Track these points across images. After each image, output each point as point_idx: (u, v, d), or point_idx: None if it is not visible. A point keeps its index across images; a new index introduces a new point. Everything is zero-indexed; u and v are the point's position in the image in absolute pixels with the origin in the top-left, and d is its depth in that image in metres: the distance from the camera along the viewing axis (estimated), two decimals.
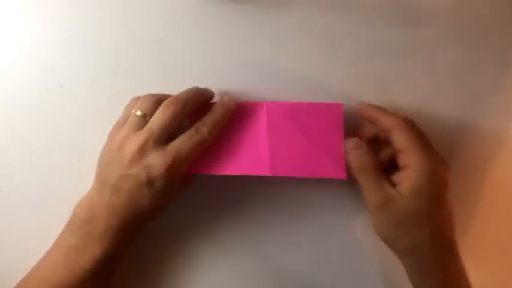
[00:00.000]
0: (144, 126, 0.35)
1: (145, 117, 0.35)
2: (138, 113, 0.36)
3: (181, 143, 0.35)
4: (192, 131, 0.36)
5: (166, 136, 0.35)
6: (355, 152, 0.37)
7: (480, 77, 0.43)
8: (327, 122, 0.39)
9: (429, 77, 0.42)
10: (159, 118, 0.35)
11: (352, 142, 0.37)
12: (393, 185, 0.35)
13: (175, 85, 0.42)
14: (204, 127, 0.36)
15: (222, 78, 0.42)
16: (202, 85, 0.41)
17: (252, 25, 0.42)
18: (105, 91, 0.42)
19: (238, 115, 0.39)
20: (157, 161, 0.34)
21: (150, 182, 0.34)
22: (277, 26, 0.42)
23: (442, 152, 0.36)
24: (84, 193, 0.41)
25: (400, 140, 0.35)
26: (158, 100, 0.36)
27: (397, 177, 0.36)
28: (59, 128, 0.41)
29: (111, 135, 0.37)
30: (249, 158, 0.39)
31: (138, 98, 0.38)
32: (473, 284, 0.36)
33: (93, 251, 0.35)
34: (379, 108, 0.38)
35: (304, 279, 0.42)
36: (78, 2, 0.41)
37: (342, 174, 0.38)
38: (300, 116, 0.39)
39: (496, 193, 0.43)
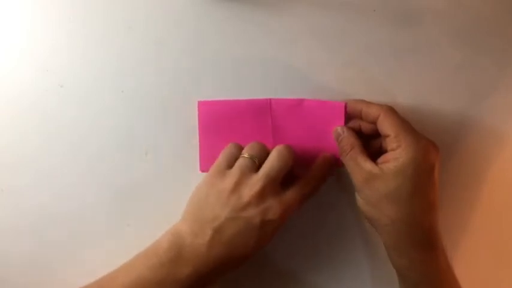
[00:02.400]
0: (255, 170, 0.36)
1: (255, 161, 0.36)
2: (247, 155, 0.37)
3: (296, 192, 0.36)
4: (304, 181, 0.38)
5: (280, 181, 0.36)
6: (339, 139, 0.39)
7: (480, 77, 0.43)
8: (329, 119, 0.40)
9: (429, 76, 0.42)
10: (275, 164, 0.36)
11: (335, 131, 0.39)
12: (381, 163, 0.36)
13: (176, 85, 0.42)
14: (314, 179, 0.38)
15: (222, 78, 0.42)
16: (202, 85, 0.42)
17: (252, 25, 0.42)
18: (105, 91, 0.42)
19: (243, 111, 0.40)
20: (275, 205, 0.35)
21: (263, 225, 0.35)
22: (278, 26, 0.42)
23: (441, 150, 0.36)
24: (84, 193, 0.42)
25: (388, 125, 0.36)
26: (264, 148, 0.38)
27: (383, 157, 0.37)
28: (59, 128, 0.41)
29: (216, 178, 0.36)
30: None
31: (236, 145, 0.39)
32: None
33: None
34: (363, 100, 0.39)
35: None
36: (78, 2, 0.41)
37: (338, 164, 0.40)
38: (303, 112, 0.40)
39: (495, 192, 0.43)
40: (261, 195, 0.35)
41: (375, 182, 0.36)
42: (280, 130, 0.41)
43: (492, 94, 0.43)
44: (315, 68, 0.42)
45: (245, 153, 0.37)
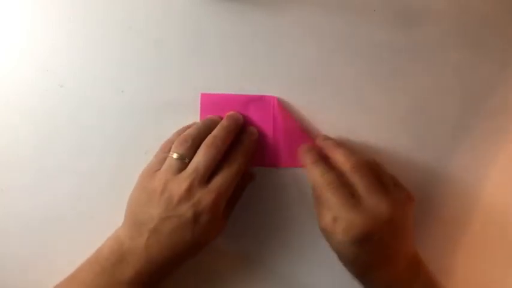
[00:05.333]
0: (183, 169, 0.36)
1: (184, 160, 0.37)
2: (175, 156, 0.37)
3: (222, 177, 0.36)
4: (228, 163, 0.37)
5: (209, 173, 0.36)
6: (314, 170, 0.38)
7: (480, 77, 0.43)
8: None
9: (429, 77, 0.42)
10: (202, 159, 0.36)
11: (309, 158, 0.39)
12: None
13: (175, 85, 0.42)
14: (238, 157, 0.38)
15: (222, 78, 0.42)
16: (202, 85, 0.42)
17: (252, 25, 0.42)
18: (105, 91, 0.42)
19: (245, 106, 0.41)
20: (204, 197, 0.35)
21: (196, 218, 0.35)
22: (277, 26, 0.42)
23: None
24: (84, 193, 0.42)
25: (351, 181, 0.36)
26: (193, 142, 0.37)
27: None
28: (59, 128, 0.41)
29: (147, 179, 0.37)
30: (258, 150, 0.41)
31: (169, 141, 0.39)
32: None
33: None
34: (335, 144, 0.39)
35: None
36: (78, 2, 0.41)
37: None
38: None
39: (496, 193, 0.43)
40: (190, 190, 0.35)
41: (329, 235, 0.36)
42: (282, 127, 0.41)
43: (492, 94, 0.43)
44: (315, 68, 0.42)
45: (173, 153, 0.37)
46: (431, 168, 0.42)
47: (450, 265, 0.43)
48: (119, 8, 0.41)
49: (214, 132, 0.38)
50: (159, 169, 0.37)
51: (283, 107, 0.41)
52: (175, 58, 0.42)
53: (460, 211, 0.43)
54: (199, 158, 0.36)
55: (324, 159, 0.38)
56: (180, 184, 0.35)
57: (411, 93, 0.42)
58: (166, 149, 0.38)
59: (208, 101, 0.41)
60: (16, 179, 0.41)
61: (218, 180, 0.36)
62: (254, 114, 0.41)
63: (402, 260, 0.36)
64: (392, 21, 0.42)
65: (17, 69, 0.41)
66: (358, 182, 0.35)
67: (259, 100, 0.41)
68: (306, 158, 0.39)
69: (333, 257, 0.37)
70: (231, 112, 0.41)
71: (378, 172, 0.37)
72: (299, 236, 0.42)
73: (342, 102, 0.42)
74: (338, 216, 0.35)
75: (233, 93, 0.42)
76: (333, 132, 0.42)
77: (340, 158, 0.37)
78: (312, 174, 0.37)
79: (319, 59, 0.42)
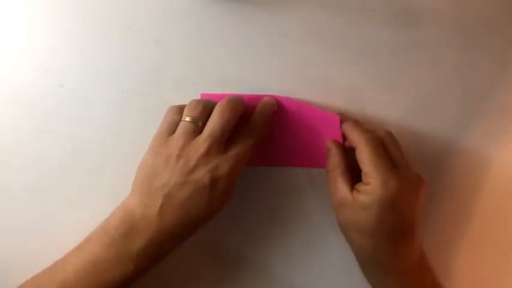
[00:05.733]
0: (198, 133, 0.36)
1: (198, 123, 0.36)
2: (188, 119, 0.36)
3: (240, 146, 0.36)
4: (246, 133, 0.37)
5: (225, 139, 0.36)
6: (327, 153, 0.39)
7: (480, 77, 0.43)
8: (326, 127, 0.41)
9: (429, 77, 0.42)
10: (218, 122, 0.36)
11: (326, 145, 0.40)
12: (356, 190, 0.36)
13: (175, 85, 0.42)
14: (255, 128, 0.38)
15: (222, 78, 0.42)
16: (202, 85, 0.42)
17: (252, 25, 0.42)
18: (105, 91, 0.42)
19: (248, 107, 0.41)
20: (222, 163, 0.35)
21: (213, 183, 0.34)
22: (277, 26, 0.42)
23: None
24: (83, 192, 0.42)
25: (361, 160, 0.36)
26: (206, 106, 0.37)
27: (360, 185, 0.36)
28: (59, 128, 0.41)
29: (161, 145, 0.36)
30: (261, 149, 0.41)
31: (178, 106, 0.38)
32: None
33: (126, 268, 0.34)
34: (351, 123, 0.39)
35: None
36: (78, 2, 0.41)
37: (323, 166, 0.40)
38: (303, 113, 0.41)
39: (496, 193, 0.43)
40: (207, 155, 0.35)
41: (345, 208, 0.36)
42: (282, 126, 0.41)
43: (492, 94, 0.43)
44: (314, 68, 0.42)
45: (186, 117, 0.36)
46: (431, 168, 0.42)
47: (449, 265, 0.43)
48: (119, 8, 0.41)
49: (227, 98, 0.37)
50: (172, 134, 0.36)
51: (285, 107, 0.41)
52: (175, 58, 0.42)
53: (459, 211, 0.43)
54: (215, 121, 0.36)
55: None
56: (197, 149, 0.35)
57: (411, 93, 0.42)
58: (177, 111, 0.37)
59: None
60: (16, 179, 0.41)
61: (236, 149, 0.36)
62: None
63: (416, 247, 0.36)
64: (393, 21, 0.42)
65: (17, 69, 0.41)
66: (392, 151, 0.37)
67: (260, 99, 0.41)
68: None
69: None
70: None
71: (388, 148, 0.37)
72: (297, 236, 0.42)
73: (341, 102, 0.42)
74: (371, 175, 0.35)
75: (233, 93, 0.42)
76: None
77: (353, 135, 0.38)
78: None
79: (319, 59, 0.42)
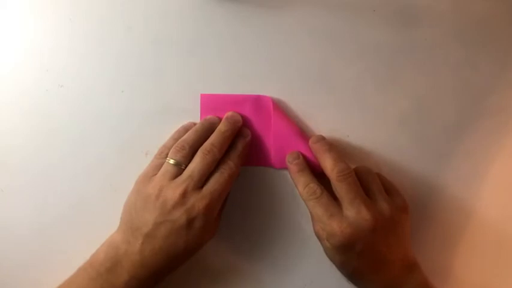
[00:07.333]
0: (178, 175, 0.37)
1: (181, 166, 0.37)
2: (172, 161, 0.37)
3: (215, 182, 0.37)
4: (221, 168, 0.38)
5: (203, 181, 0.37)
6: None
7: (480, 77, 0.43)
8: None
9: (429, 77, 0.42)
10: (198, 166, 0.37)
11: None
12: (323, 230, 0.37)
13: (175, 85, 0.42)
14: (230, 162, 0.38)
15: (221, 78, 0.42)
16: (202, 85, 0.42)
17: (252, 25, 0.42)
18: (105, 91, 0.42)
19: (245, 105, 0.41)
20: (197, 203, 0.36)
21: (189, 223, 0.35)
22: (277, 26, 0.42)
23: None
24: (84, 193, 0.42)
25: (336, 190, 0.37)
26: (190, 149, 0.38)
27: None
28: (59, 128, 0.41)
29: (143, 184, 0.37)
30: (257, 149, 0.41)
31: (166, 147, 0.39)
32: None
33: None
34: (325, 148, 0.39)
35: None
36: (78, 2, 0.41)
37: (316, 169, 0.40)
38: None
39: (495, 193, 0.43)
40: (184, 196, 0.35)
41: (322, 241, 0.38)
42: (280, 127, 0.41)
43: (492, 94, 0.43)
44: (314, 68, 0.42)
45: (170, 159, 0.37)
46: (431, 168, 0.42)
47: (447, 268, 0.43)
48: (118, 8, 0.41)
49: (212, 138, 0.38)
50: (155, 174, 0.37)
51: (278, 108, 0.41)
52: (175, 58, 0.42)
53: (458, 211, 0.43)
54: (195, 165, 0.37)
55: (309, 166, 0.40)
56: (175, 189, 0.36)
57: (411, 93, 0.42)
58: (163, 154, 0.39)
59: (208, 102, 0.41)
60: (16, 179, 0.41)
61: (211, 185, 0.37)
62: (254, 114, 0.41)
63: (397, 266, 0.37)
64: (392, 21, 0.42)
65: (17, 69, 0.41)
66: (341, 191, 0.37)
67: (258, 100, 0.41)
68: (292, 167, 0.39)
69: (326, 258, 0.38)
70: (230, 113, 0.41)
71: (366, 180, 0.38)
72: (295, 235, 0.42)
73: (341, 102, 0.42)
74: (321, 225, 0.37)
75: (233, 93, 0.42)
76: (331, 133, 0.42)
77: (328, 164, 0.38)
78: (296, 184, 0.39)
79: (319, 59, 0.42)
